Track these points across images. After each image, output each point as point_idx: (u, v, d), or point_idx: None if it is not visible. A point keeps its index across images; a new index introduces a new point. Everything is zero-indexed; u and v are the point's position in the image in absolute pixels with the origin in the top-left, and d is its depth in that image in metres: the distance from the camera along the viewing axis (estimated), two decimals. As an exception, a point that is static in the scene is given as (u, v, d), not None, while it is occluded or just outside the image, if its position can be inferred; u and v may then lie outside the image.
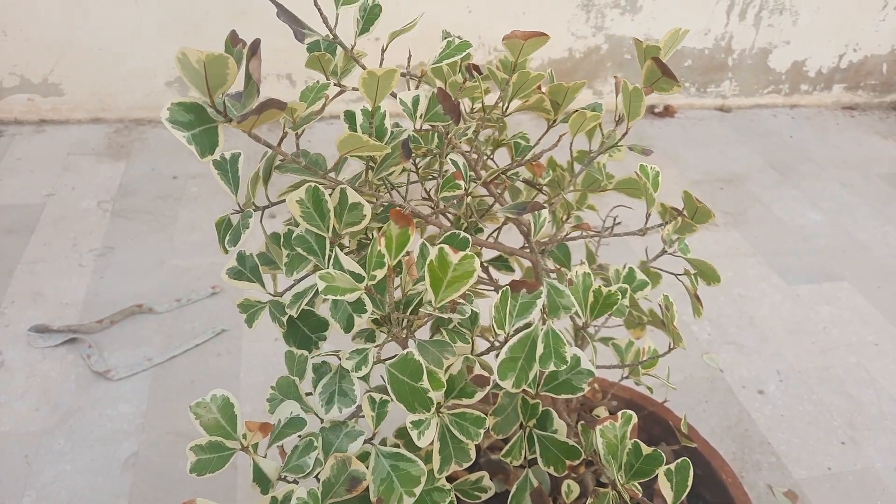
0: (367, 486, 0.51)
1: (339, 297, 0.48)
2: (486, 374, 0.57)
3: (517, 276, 0.91)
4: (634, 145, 0.76)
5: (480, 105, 0.75)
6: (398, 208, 0.50)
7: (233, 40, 0.49)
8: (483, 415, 0.57)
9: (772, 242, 1.83)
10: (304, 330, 0.62)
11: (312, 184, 0.55)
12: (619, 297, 0.61)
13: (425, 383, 0.49)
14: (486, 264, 0.87)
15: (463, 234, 0.61)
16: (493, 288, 0.87)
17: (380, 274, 0.49)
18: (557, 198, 0.76)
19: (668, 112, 2.45)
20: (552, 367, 0.56)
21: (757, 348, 1.49)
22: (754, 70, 2.47)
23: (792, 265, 1.75)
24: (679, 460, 0.65)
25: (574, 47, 2.28)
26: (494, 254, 0.84)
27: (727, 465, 0.88)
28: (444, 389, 0.54)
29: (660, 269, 0.85)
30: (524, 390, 0.62)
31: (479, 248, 0.77)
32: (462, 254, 0.49)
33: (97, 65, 1.99)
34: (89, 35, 1.94)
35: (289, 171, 0.60)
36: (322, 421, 0.55)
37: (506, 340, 0.59)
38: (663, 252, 0.78)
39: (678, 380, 1.39)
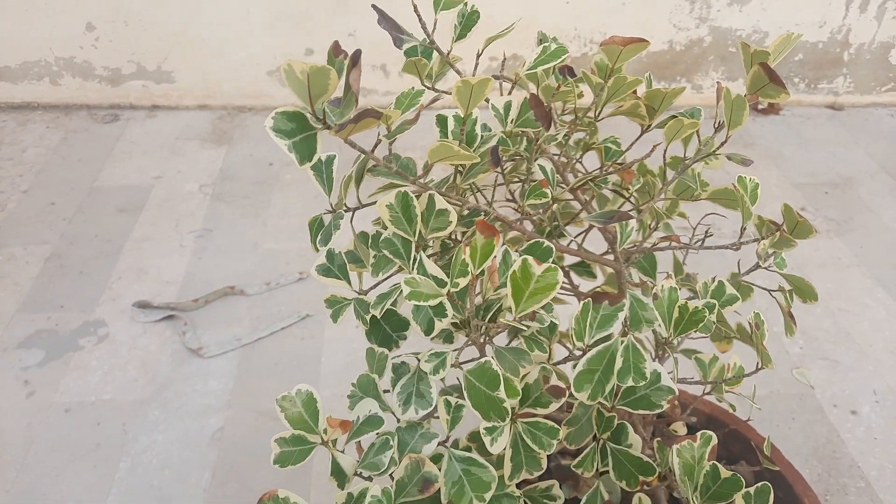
0: (439, 488, 0.53)
1: (422, 303, 0.49)
2: (562, 385, 0.57)
3: (599, 281, 0.90)
4: (733, 155, 0.73)
5: (573, 109, 0.75)
6: (483, 218, 0.51)
7: (335, 51, 0.51)
8: (557, 425, 0.57)
9: (879, 254, 1.72)
10: (385, 328, 0.64)
11: (402, 189, 0.56)
12: (706, 313, 0.59)
13: (502, 393, 0.49)
14: (567, 269, 0.87)
15: (547, 243, 0.61)
16: (573, 293, 0.86)
17: (463, 282, 0.50)
18: (646, 206, 0.74)
19: (772, 109, 2.33)
20: (630, 383, 0.55)
21: (853, 366, 1.41)
22: (873, 66, 2.32)
23: (900, 279, 1.64)
24: (759, 484, 0.63)
25: (675, 39, 2.21)
26: (576, 258, 0.83)
27: (811, 490, 0.84)
28: (519, 398, 0.54)
29: (752, 284, 0.82)
30: (600, 402, 0.62)
31: (561, 253, 0.76)
32: (546, 266, 0.50)
33: (206, 54, 2.09)
34: (201, 25, 2.04)
35: (380, 174, 0.62)
36: (398, 420, 0.57)
37: (584, 352, 0.58)
38: (757, 266, 0.75)
39: (764, 394, 1.34)
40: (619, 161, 0.80)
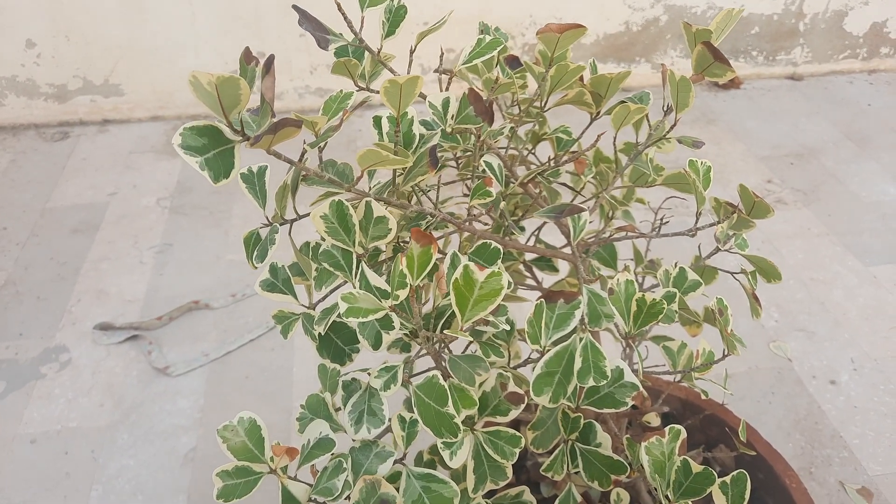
0: None
1: (360, 319, 0.47)
2: (520, 391, 0.55)
3: (563, 274, 0.88)
4: (684, 138, 0.71)
5: (517, 100, 0.72)
6: (427, 223, 0.48)
7: (246, 58, 0.48)
8: (518, 433, 0.54)
9: (847, 221, 1.72)
10: (337, 342, 0.61)
11: (336, 199, 0.53)
12: (665, 305, 0.57)
13: (451, 408, 0.47)
14: (529, 264, 0.84)
15: (494, 244, 0.58)
16: (537, 288, 0.84)
17: (403, 294, 0.48)
18: (600, 196, 0.72)
19: (733, 84, 2.33)
20: (591, 383, 0.53)
21: (829, 335, 1.40)
22: (828, 34, 2.32)
23: (869, 245, 1.64)
24: (735, 472, 0.62)
25: (631, 20, 2.19)
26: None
27: (791, 470, 0.83)
28: (476, 407, 0.52)
29: (716, 268, 0.80)
30: (564, 404, 0.60)
31: (517, 250, 0.74)
32: (488, 271, 0.47)
33: (155, 64, 2.03)
34: (147, 35, 1.98)
35: (315, 184, 0.59)
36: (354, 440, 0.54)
37: (542, 354, 0.56)
38: (717, 250, 0.73)
39: (742, 370, 1.33)
40: (573, 150, 0.77)
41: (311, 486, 0.51)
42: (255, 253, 0.58)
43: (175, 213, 1.73)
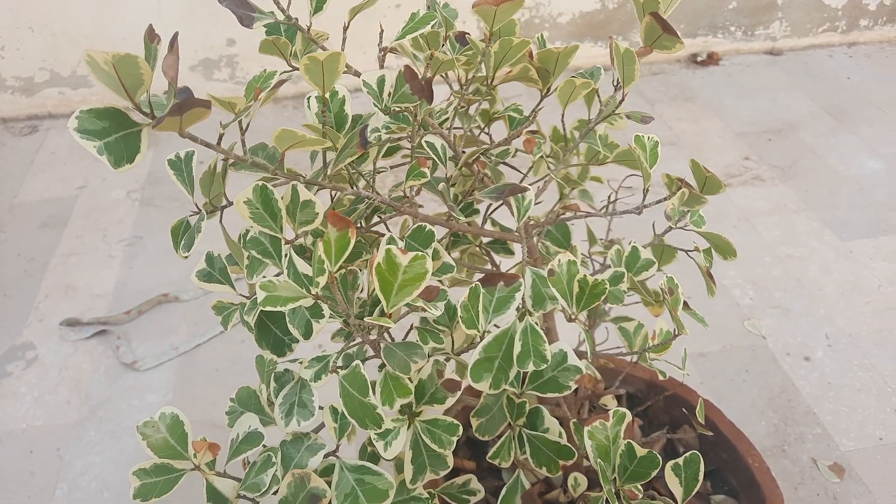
0: (330, 503, 0.48)
1: (279, 308, 0.45)
2: (457, 378, 0.53)
3: (518, 258, 0.86)
4: (633, 113, 0.69)
5: (462, 78, 0.70)
6: (334, 210, 0.46)
7: (150, 36, 0.46)
8: (456, 422, 0.53)
9: (824, 196, 1.71)
10: (276, 332, 0.59)
11: (259, 183, 0.51)
12: (607, 285, 0.56)
13: (372, 399, 0.45)
14: (486, 248, 0.83)
15: (429, 227, 0.56)
16: (495, 272, 0.82)
17: (322, 280, 0.46)
18: (549, 175, 0.70)
19: (712, 60, 2.31)
20: (531, 367, 0.52)
21: (804, 312, 1.39)
22: (807, 7, 2.30)
23: (846, 219, 1.63)
24: (688, 454, 0.60)
25: (606, -2, 2.16)
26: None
27: (754, 450, 0.82)
28: (411, 396, 0.50)
29: (675, 247, 0.78)
30: (508, 389, 0.58)
31: (467, 232, 0.72)
32: (412, 255, 0.45)
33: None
34: (113, 25, 1.94)
35: (243, 168, 0.57)
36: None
37: (481, 339, 0.54)
38: (669, 228, 0.71)
39: (716, 349, 1.32)
40: (531, 130, 0.75)
41: (240, 481, 0.50)
42: (182, 242, 0.56)
43: (146, 206, 1.71)
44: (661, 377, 0.71)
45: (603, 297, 0.56)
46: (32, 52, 1.95)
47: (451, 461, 0.54)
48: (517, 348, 0.52)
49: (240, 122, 0.51)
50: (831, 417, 1.20)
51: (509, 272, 0.56)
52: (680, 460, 0.61)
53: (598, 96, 0.69)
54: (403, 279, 0.45)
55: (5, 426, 1.21)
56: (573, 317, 0.57)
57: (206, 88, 2.09)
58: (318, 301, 0.49)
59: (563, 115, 0.70)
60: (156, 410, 1.23)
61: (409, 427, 0.52)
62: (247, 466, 0.51)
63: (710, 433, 0.72)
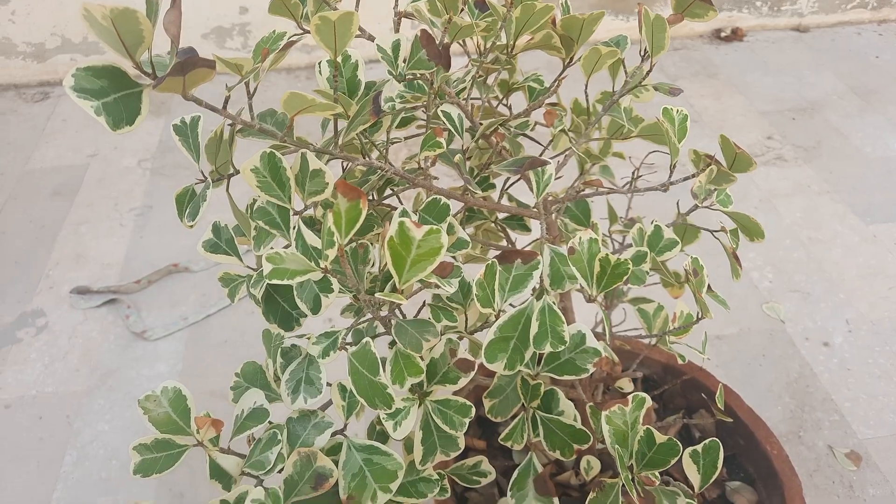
0: (337, 483, 0.47)
1: (286, 281, 0.43)
2: (470, 357, 0.51)
3: (536, 235, 0.83)
4: (661, 85, 0.66)
5: (481, 46, 0.67)
6: (343, 179, 0.44)
7: None
8: (468, 403, 0.51)
9: (849, 178, 1.66)
10: (283, 306, 0.57)
11: (268, 150, 0.49)
12: (629, 265, 0.53)
13: (383, 378, 0.43)
14: (502, 224, 0.80)
15: (444, 201, 0.54)
16: (512, 248, 0.80)
17: (332, 253, 0.44)
18: (569, 149, 0.67)
19: (736, 35, 2.24)
20: (548, 349, 0.50)
21: (825, 296, 1.36)
22: (836, -17, 2.23)
23: (871, 202, 1.59)
24: (708, 441, 0.58)
25: (629, -30, 2.10)
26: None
27: (773, 437, 0.79)
28: (422, 375, 0.48)
29: (699, 227, 0.76)
30: (523, 370, 0.56)
31: (481, 207, 0.69)
32: (426, 228, 0.43)
33: (134, 19, 1.97)
34: (124, -11, 1.91)
35: (250, 135, 0.55)
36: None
37: (497, 317, 0.52)
38: (696, 207, 0.69)
39: (734, 332, 1.29)
40: (552, 102, 0.72)
41: (245, 458, 0.48)
42: (188, 211, 0.54)
43: (156, 175, 1.69)
44: (679, 360, 0.69)
45: (625, 278, 0.54)
46: (43, 17, 1.92)
47: (462, 443, 0.52)
48: (534, 328, 0.50)
49: (247, 84, 0.48)
50: (850, 404, 1.17)
51: (527, 249, 0.54)
52: (699, 447, 0.58)
53: (624, 67, 0.66)
54: (417, 254, 0.43)
55: (15, 392, 1.21)
56: (592, 297, 0.55)
57: (221, 55, 2.06)
58: (327, 275, 0.47)
59: (586, 86, 0.67)
60: (165, 380, 1.22)
61: (419, 407, 0.50)
62: (252, 443, 0.50)
63: (730, 420, 0.70)
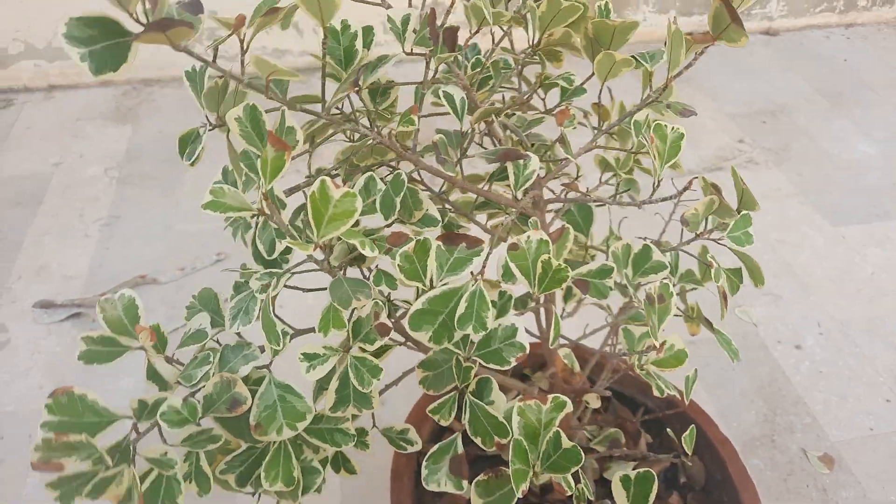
0: (250, 410, 0.50)
1: (218, 213, 0.46)
2: (388, 323, 0.52)
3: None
4: (674, 103, 0.64)
5: (494, 38, 0.65)
6: (273, 134, 0.45)
7: None
8: (381, 367, 0.51)
9: (817, 180, 1.68)
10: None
11: (251, 102, 0.50)
12: (567, 273, 0.52)
13: (276, 320, 0.49)
14: (514, 220, 0.78)
15: (403, 175, 0.54)
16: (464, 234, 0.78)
17: (255, 196, 0.46)
18: (569, 155, 0.64)
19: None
20: (470, 331, 0.50)
21: (795, 299, 1.37)
22: (804, -13, 2.26)
23: (839, 204, 1.60)
24: (641, 471, 0.58)
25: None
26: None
27: (714, 425, 0.79)
28: (343, 329, 0.51)
29: (684, 251, 0.73)
30: (454, 349, 0.56)
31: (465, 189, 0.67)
32: (344, 190, 0.45)
33: (100, 25, 1.93)
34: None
35: (248, 88, 0.55)
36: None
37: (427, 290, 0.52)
38: (695, 237, 0.67)
39: (707, 337, 1.29)
40: (596, 102, 0.70)
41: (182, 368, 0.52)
42: (188, 150, 0.55)
43: (123, 184, 1.66)
44: (656, 392, 0.66)
45: (564, 284, 0.53)
46: (4, 22, 1.88)
47: (376, 403, 0.54)
48: (461, 309, 0.51)
49: (241, 40, 0.49)
50: (821, 407, 1.18)
51: (474, 236, 0.53)
52: (632, 474, 0.58)
53: (651, 81, 0.64)
54: (333, 213, 0.45)
55: (-25, 411, 1.18)
56: (535, 297, 0.55)
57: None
58: (261, 216, 0.48)
59: (600, 92, 0.65)
60: (131, 395, 1.19)
61: (340, 361, 0.53)
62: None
63: (690, 463, 0.69)
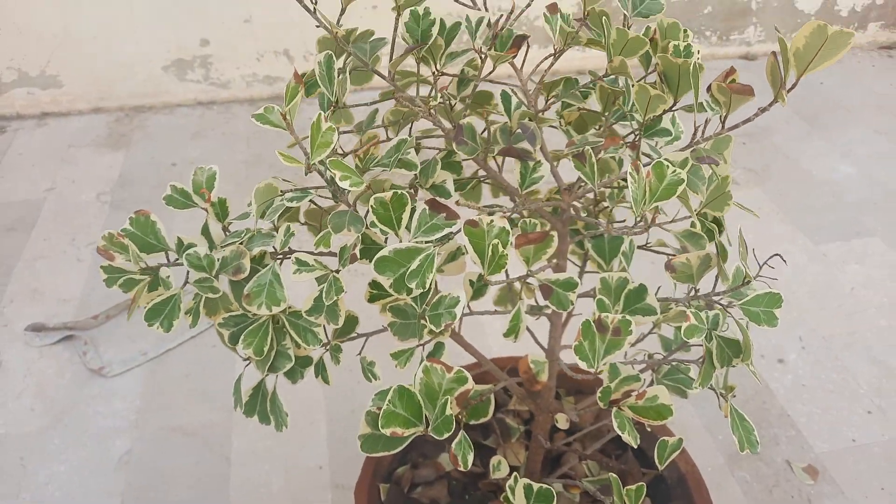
0: (248, 280, 0.59)
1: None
2: (356, 254, 0.59)
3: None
4: (699, 149, 0.62)
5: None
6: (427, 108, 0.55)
7: None
8: (343, 287, 0.57)
9: (797, 199, 1.72)
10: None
11: (329, 52, 0.58)
12: (506, 259, 0.55)
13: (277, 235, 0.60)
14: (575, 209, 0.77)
15: (413, 137, 0.62)
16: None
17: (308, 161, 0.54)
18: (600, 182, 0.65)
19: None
20: (411, 286, 0.54)
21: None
22: (781, 12, 2.32)
23: (818, 222, 1.64)
24: (635, 486, 0.60)
25: None
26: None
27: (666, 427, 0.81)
28: (329, 247, 0.57)
29: (683, 306, 0.71)
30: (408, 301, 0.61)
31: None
32: (327, 125, 0.53)
33: (93, 53, 1.96)
34: (83, 23, 1.91)
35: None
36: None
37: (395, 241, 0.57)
38: (694, 292, 0.68)
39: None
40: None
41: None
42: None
43: (116, 209, 1.68)
44: (629, 439, 0.60)
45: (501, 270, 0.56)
46: (-1, 51, 1.91)
47: (341, 320, 0.60)
48: (413, 265, 0.54)
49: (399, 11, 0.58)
50: (805, 419, 1.20)
51: (452, 210, 0.57)
52: (624, 490, 0.59)
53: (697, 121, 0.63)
54: (320, 141, 0.53)
55: (-34, 435, 1.18)
56: (485, 278, 0.56)
57: (182, 89, 2.06)
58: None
59: (643, 122, 0.65)
60: (123, 417, 1.20)
61: (324, 278, 0.58)
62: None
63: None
